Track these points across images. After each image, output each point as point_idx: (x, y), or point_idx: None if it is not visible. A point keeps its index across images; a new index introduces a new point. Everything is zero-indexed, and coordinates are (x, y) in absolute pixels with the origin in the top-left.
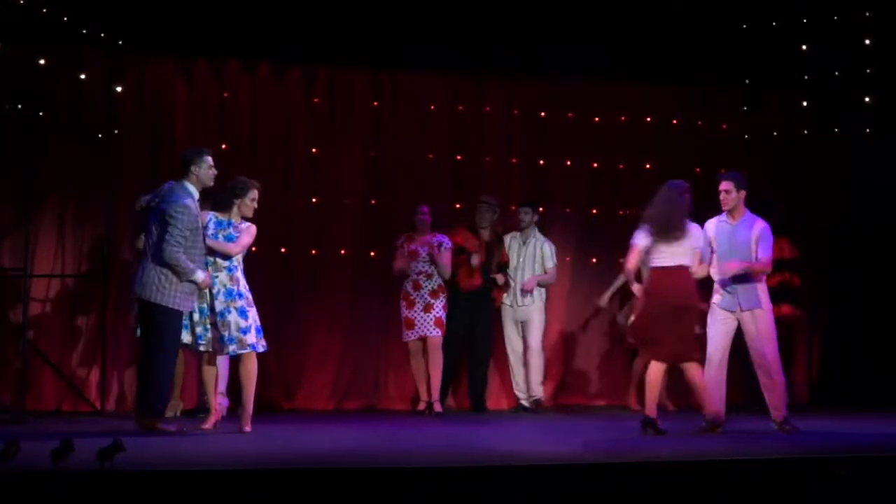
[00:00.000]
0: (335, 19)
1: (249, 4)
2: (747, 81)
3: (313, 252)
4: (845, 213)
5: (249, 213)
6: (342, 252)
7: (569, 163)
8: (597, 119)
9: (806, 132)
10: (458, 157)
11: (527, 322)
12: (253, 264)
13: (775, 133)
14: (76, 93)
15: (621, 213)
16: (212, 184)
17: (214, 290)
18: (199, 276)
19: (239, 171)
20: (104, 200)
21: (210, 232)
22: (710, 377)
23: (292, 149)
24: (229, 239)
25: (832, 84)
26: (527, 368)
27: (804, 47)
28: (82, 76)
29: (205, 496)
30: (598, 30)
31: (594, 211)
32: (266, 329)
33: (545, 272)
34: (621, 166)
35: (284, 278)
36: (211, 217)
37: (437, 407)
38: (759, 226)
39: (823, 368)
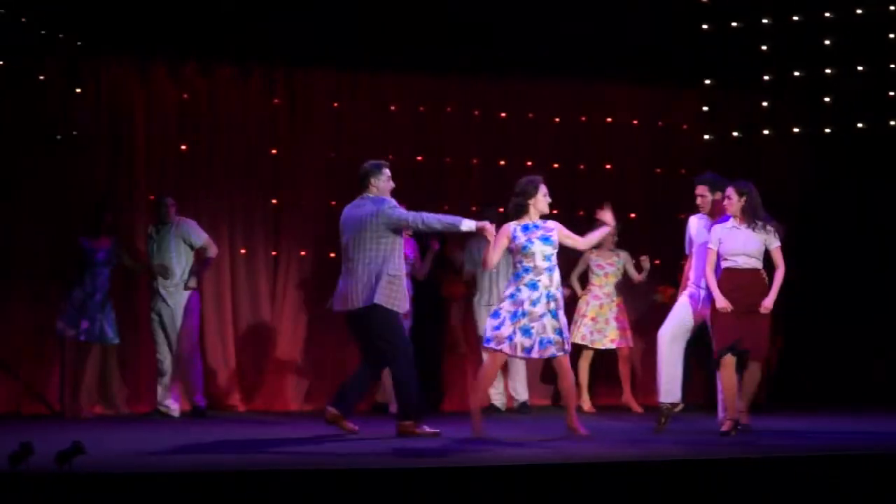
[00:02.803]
0: (294, 20)
1: (208, 5)
2: (707, 82)
3: (273, 253)
4: (805, 214)
5: (388, 194)
6: (302, 253)
7: (529, 163)
8: (557, 120)
9: (766, 133)
10: (419, 158)
11: None
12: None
13: (735, 134)
14: (34, 94)
15: (581, 213)
16: (389, 196)
17: (537, 295)
18: (468, 223)
19: (198, 173)
20: (62, 202)
21: None
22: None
23: (252, 150)
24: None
25: (792, 85)
26: (509, 371)
27: (764, 47)
28: (40, 77)
29: (166, 499)
30: (558, 31)
31: (554, 211)
32: (226, 329)
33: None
34: (581, 167)
35: (245, 279)
36: None
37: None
38: None
39: (781, 368)
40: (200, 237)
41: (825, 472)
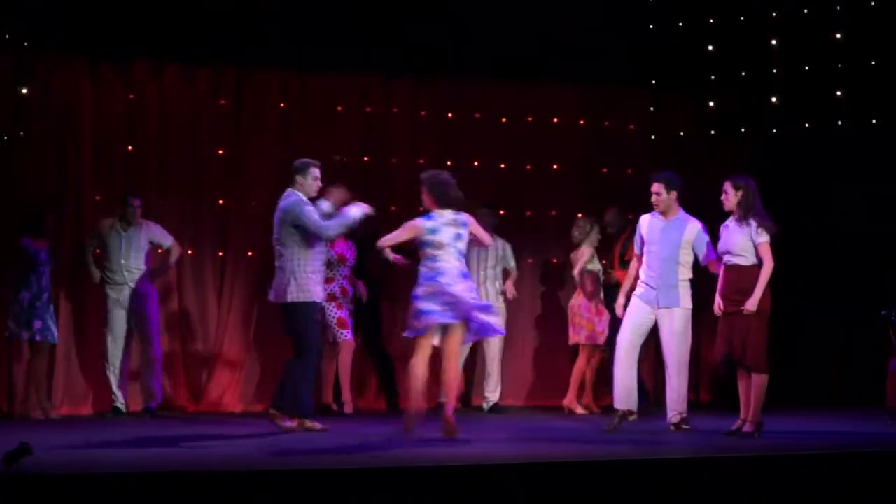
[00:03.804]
0: (242, 21)
1: (155, 5)
2: (654, 82)
3: (221, 254)
4: None
5: (313, 193)
6: (250, 254)
7: (476, 164)
8: (504, 120)
9: (712, 132)
10: (366, 158)
11: None
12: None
13: (682, 133)
14: None
15: (528, 213)
16: (315, 195)
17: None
18: (356, 211)
19: (146, 173)
20: (8, 203)
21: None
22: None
23: (200, 150)
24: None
25: (739, 84)
26: (485, 372)
27: (710, 48)
28: None
29: (115, 501)
30: (505, 31)
31: (501, 212)
32: (174, 330)
33: (506, 272)
34: (529, 167)
35: (192, 280)
36: None
37: (349, 408)
38: (694, 228)
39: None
40: (168, 239)
41: (775, 471)
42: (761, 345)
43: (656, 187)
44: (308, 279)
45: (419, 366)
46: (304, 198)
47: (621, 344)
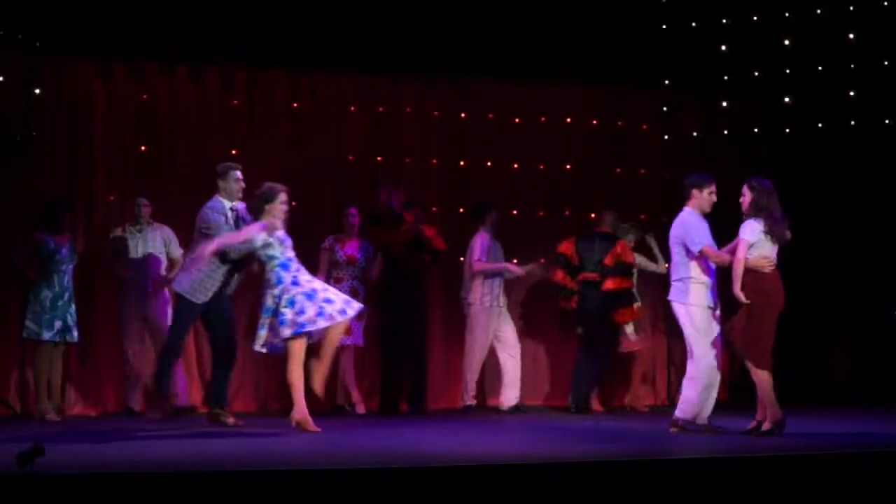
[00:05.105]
0: (252, 21)
1: (167, 6)
2: (667, 82)
3: None
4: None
5: (237, 195)
6: None
7: (489, 164)
8: (517, 120)
9: (725, 132)
10: (378, 159)
11: (503, 324)
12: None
13: (695, 134)
14: None
15: (541, 213)
16: (240, 196)
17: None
18: (255, 234)
19: (158, 173)
20: (22, 203)
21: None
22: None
23: (211, 151)
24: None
25: (752, 84)
26: (505, 372)
27: (723, 48)
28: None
29: (127, 501)
30: (517, 31)
31: (514, 212)
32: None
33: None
34: (541, 167)
35: None
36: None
37: (361, 409)
38: None
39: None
40: (179, 250)
41: (788, 471)
42: (748, 343)
43: (714, 187)
44: (203, 278)
45: (294, 373)
46: (223, 202)
47: (714, 362)
